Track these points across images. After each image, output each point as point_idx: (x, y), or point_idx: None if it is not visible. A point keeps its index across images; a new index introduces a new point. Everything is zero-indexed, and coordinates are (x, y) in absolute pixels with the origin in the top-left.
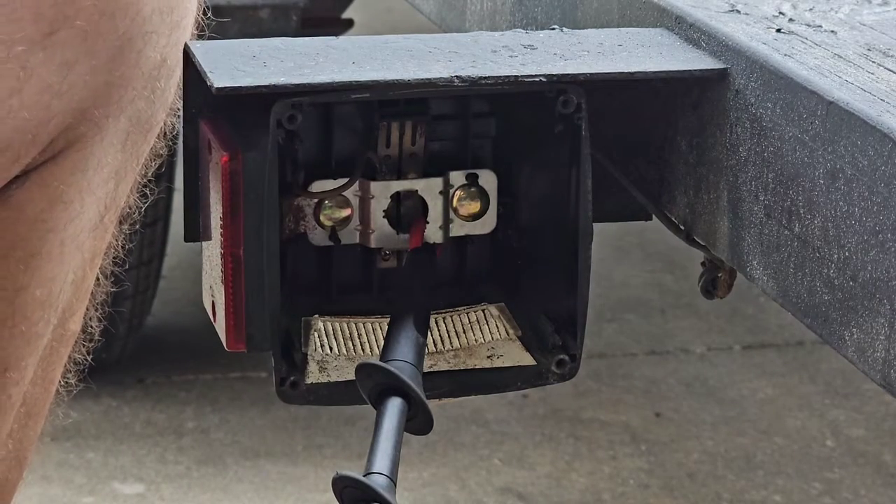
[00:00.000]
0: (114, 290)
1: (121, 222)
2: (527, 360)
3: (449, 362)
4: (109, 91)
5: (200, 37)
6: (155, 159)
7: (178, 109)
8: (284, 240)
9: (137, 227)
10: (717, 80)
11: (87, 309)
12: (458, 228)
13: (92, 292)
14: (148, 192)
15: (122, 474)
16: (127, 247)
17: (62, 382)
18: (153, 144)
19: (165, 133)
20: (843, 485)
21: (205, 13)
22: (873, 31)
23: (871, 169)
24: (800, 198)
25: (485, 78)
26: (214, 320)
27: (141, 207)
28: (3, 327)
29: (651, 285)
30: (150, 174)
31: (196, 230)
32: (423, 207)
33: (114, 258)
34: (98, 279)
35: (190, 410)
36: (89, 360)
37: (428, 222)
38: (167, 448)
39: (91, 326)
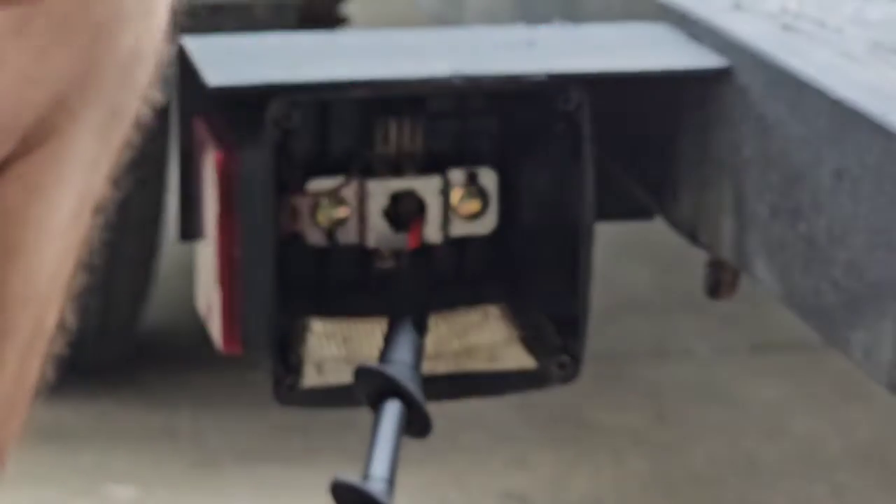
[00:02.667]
0: (108, 292)
1: (95, 213)
2: (528, 361)
3: (448, 364)
4: (85, 79)
5: (175, 24)
6: (127, 148)
7: (153, 99)
8: (280, 240)
9: (131, 224)
10: (722, 77)
11: (63, 302)
12: (458, 228)
13: (68, 285)
14: (122, 183)
15: (116, 477)
16: (103, 238)
17: (40, 377)
18: (127, 133)
19: (139, 123)
20: (849, 487)
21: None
22: (879, 28)
23: (878, 168)
24: (805, 197)
25: (485, 75)
26: (209, 322)
27: (115, 197)
28: None
29: (654, 286)
30: (122, 163)
31: (191, 229)
32: (422, 207)
33: (90, 250)
34: (74, 271)
35: (185, 412)
36: (66, 353)
37: (427, 222)
38: (162, 450)
39: (67, 319)
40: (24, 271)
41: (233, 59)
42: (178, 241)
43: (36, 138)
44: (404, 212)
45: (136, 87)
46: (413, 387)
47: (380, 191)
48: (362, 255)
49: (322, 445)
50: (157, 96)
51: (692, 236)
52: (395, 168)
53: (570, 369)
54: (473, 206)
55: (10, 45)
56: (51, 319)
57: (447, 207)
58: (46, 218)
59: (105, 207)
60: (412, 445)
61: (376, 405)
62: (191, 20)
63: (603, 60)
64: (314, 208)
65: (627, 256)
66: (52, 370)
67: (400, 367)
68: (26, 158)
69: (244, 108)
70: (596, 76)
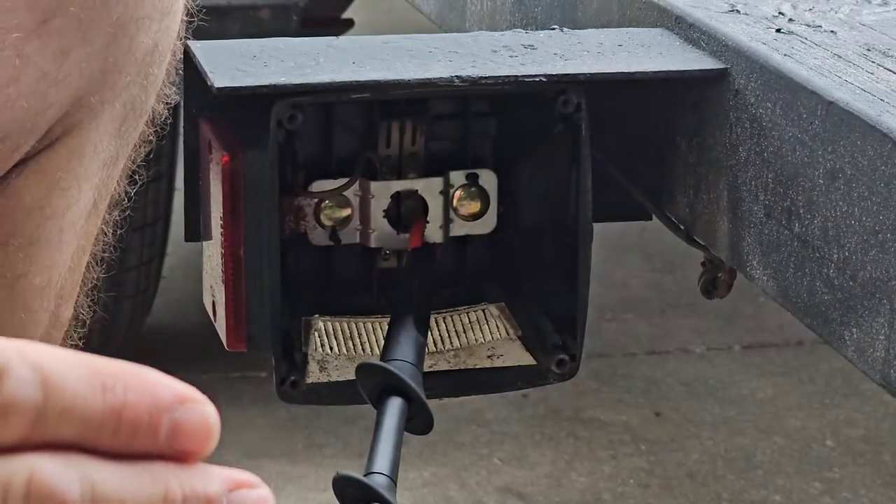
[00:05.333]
0: (114, 292)
1: (111, 208)
2: (527, 359)
3: (449, 362)
4: (105, 77)
5: (189, 24)
6: (143, 145)
7: (167, 96)
8: (285, 240)
9: (137, 224)
10: (717, 80)
11: (79, 295)
12: (459, 228)
13: (83, 278)
14: (137, 178)
15: None
16: (118, 233)
17: None
18: (143, 130)
19: (154, 120)
20: (842, 484)
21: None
22: (873, 31)
23: (871, 169)
24: (800, 198)
25: (485, 78)
26: (215, 320)
27: (130, 193)
28: (2, 315)
29: (651, 285)
30: (139, 160)
31: (196, 230)
32: (424, 207)
33: (104, 244)
34: (89, 265)
35: None
36: (80, 346)
37: (428, 222)
38: None
39: (82, 313)
40: (44, 265)
41: (238, 63)
42: (185, 242)
43: (56, 134)
44: (406, 212)
45: (153, 85)
46: (415, 384)
47: (382, 192)
48: (365, 254)
49: (325, 442)
50: (172, 94)
51: (688, 236)
52: (398, 169)
53: (568, 367)
54: (474, 206)
55: (32, 46)
56: (67, 312)
57: (448, 208)
58: (66, 213)
59: (120, 203)
60: (414, 442)
61: (378, 402)
62: (195, 24)
63: (601, 63)
64: (318, 209)
65: (625, 256)
66: None
67: (402, 364)
68: (46, 153)
69: (249, 110)
70: (594, 79)
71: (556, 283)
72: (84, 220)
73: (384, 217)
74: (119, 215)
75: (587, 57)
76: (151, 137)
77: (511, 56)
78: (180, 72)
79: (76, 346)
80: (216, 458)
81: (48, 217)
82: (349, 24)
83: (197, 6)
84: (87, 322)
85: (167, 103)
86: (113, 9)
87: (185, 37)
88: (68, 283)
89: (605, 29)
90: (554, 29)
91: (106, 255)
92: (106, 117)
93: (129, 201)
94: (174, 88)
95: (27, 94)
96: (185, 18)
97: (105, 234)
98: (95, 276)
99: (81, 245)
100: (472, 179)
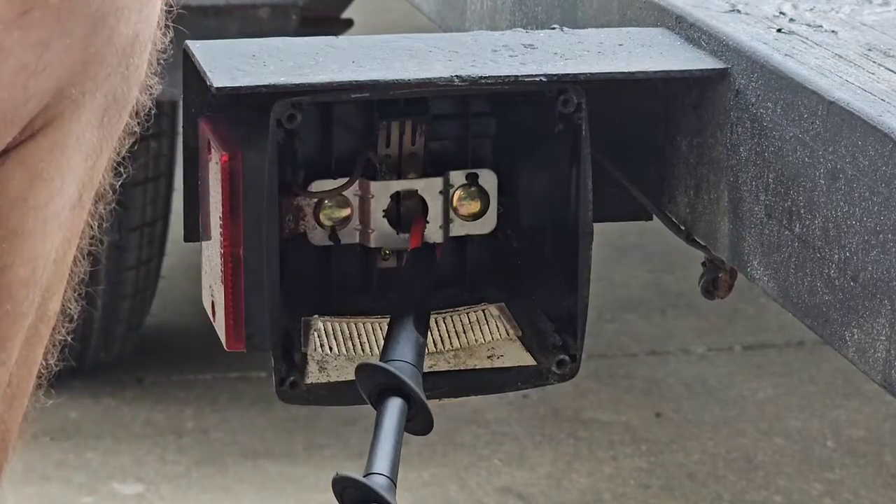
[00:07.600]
0: (113, 291)
1: (96, 201)
2: (527, 360)
3: (449, 362)
4: (85, 69)
5: (168, 13)
6: (128, 137)
7: (150, 87)
8: (284, 239)
9: (136, 224)
10: (718, 79)
11: (66, 289)
12: (458, 228)
13: (70, 272)
14: (122, 171)
15: (121, 474)
16: (105, 226)
17: (43, 363)
18: (126, 122)
19: (138, 111)
20: (843, 485)
21: None
22: (874, 32)
23: (872, 169)
24: (800, 198)
25: (485, 77)
26: (214, 320)
27: (115, 185)
28: None
29: (651, 285)
30: (123, 152)
31: (196, 230)
32: (423, 207)
33: (91, 238)
34: (76, 258)
35: (189, 410)
36: (69, 339)
37: (428, 222)
38: (167, 448)
39: (70, 307)
40: (29, 256)
41: (237, 62)
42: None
43: (38, 125)
44: (406, 212)
45: (134, 76)
46: (414, 384)
47: (382, 191)
48: (364, 254)
49: (325, 442)
50: (156, 84)
51: (689, 236)
52: (397, 169)
53: (568, 368)
54: (474, 206)
55: (12, 38)
56: (54, 305)
57: (448, 208)
58: (49, 203)
59: (106, 196)
60: (413, 442)
61: (378, 402)
62: (195, 23)
63: (601, 63)
64: (317, 209)
65: (625, 256)
66: (55, 357)
67: (401, 364)
68: (28, 145)
69: (248, 110)
70: (594, 78)
71: (557, 284)
72: (68, 212)
73: (384, 217)
74: (105, 209)
75: (587, 56)
76: (136, 129)
77: (511, 56)
78: (178, 69)
79: (64, 342)
80: (214, 460)
81: (31, 208)
82: (348, 23)
83: (196, 6)
84: (75, 317)
85: (151, 94)
86: (92, 0)
87: (165, 26)
88: (54, 276)
89: (606, 28)
90: (554, 28)
91: (93, 248)
92: (87, 108)
93: (128, 200)
94: (157, 79)
95: (7, 85)
96: (165, 8)
97: (91, 227)
98: (82, 270)
99: (66, 237)
100: (472, 179)
